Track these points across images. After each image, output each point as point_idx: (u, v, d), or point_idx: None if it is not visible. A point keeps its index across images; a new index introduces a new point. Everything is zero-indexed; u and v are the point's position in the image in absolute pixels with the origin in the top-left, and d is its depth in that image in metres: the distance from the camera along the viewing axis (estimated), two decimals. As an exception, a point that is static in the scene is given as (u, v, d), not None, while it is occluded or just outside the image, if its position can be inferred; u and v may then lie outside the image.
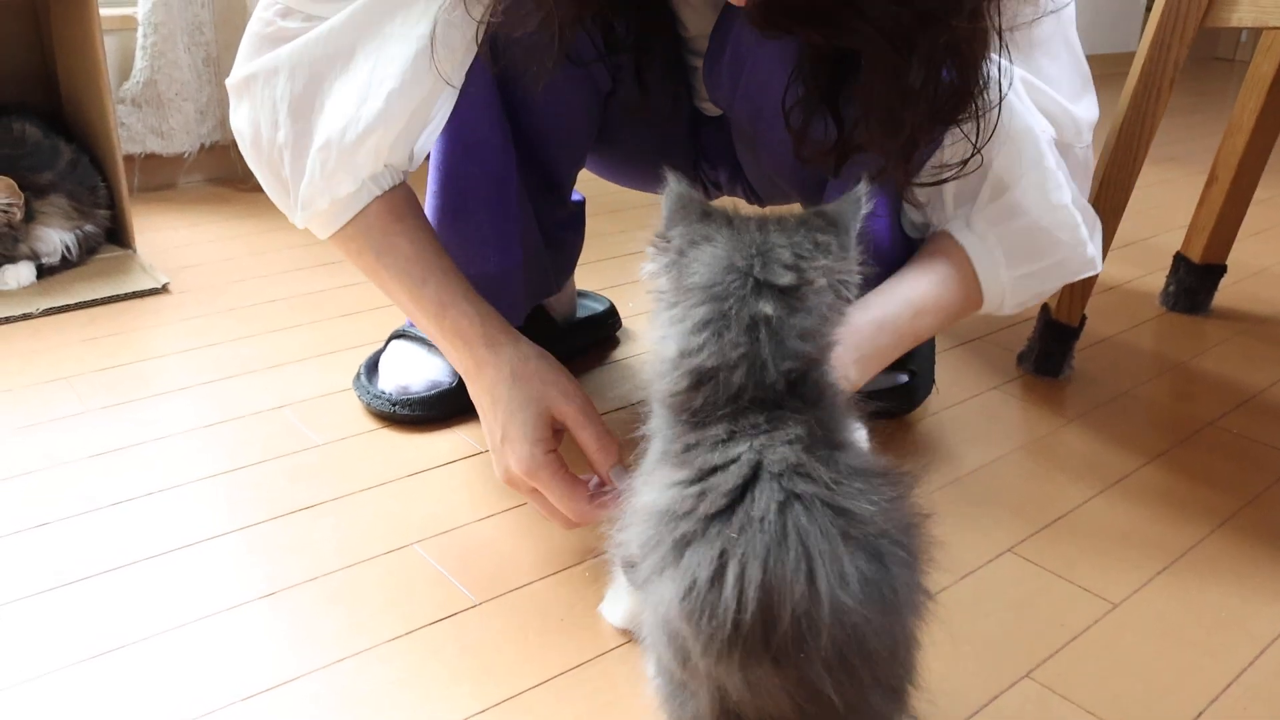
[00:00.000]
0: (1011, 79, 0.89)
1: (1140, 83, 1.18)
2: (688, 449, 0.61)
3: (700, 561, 0.56)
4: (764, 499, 0.56)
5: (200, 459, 1.10)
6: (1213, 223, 1.54)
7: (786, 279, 0.61)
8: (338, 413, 1.20)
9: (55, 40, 1.79)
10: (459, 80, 0.96)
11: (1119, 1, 4.05)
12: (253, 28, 0.95)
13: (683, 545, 0.57)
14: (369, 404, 1.19)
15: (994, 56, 0.81)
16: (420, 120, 0.95)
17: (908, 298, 1.00)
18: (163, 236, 1.80)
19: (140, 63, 1.93)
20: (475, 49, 0.93)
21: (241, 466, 1.09)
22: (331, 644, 0.84)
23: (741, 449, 0.59)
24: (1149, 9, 4.29)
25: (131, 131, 1.97)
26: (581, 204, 1.28)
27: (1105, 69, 3.95)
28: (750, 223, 0.64)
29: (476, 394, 0.96)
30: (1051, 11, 0.94)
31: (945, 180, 0.92)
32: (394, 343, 1.24)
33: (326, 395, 1.24)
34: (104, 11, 1.92)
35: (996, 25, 0.77)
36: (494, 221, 1.10)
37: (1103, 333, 1.50)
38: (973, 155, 0.86)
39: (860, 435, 0.68)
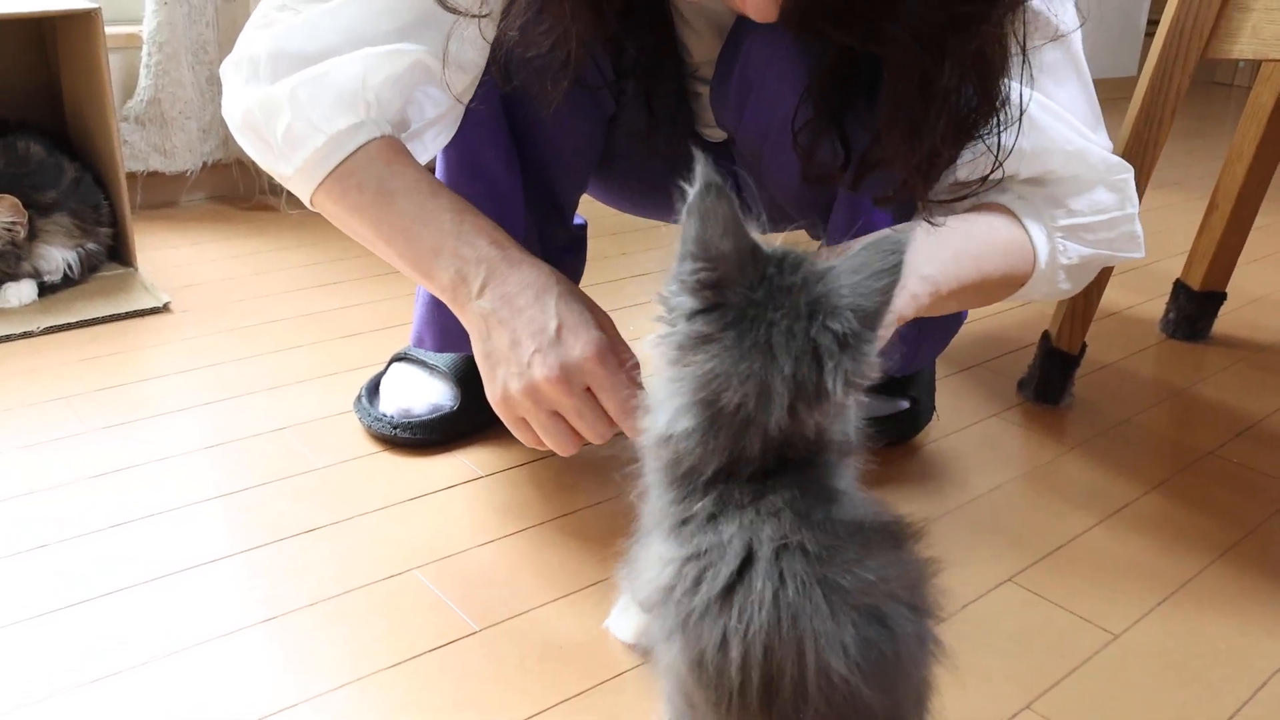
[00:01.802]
0: (1031, 95, 0.89)
1: (1142, 112, 1.19)
2: (681, 524, 0.61)
3: (706, 638, 0.57)
4: (759, 584, 0.56)
5: (200, 481, 1.10)
6: (1213, 250, 1.54)
7: (777, 426, 0.58)
8: (339, 435, 1.20)
9: (61, 58, 1.80)
10: (469, 97, 0.97)
11: (1119, 27, 4.06)
12: (251, 21, 0.97)
13: (687, 620, 0.58)
14: (370, 426, 1.19)
15: (1013, 76, 0.81)
16: (411, 76, 0.95)
17: (965, 230, 0.95)
18: (164, 255, 1.80)
19: (144, 81, 1.94)
20: (483, 68, 0.95)
21: (242, 489, 1.08)
22: (330, 671, 0.83)
23: (731, 529, 0.58)
24: (1149, 35, 4.28)
25: (134, 149, 1.97)
26: (583, 228, 1.28)
27: (1105, 94, 3.97)
28: (759, 327, 0.58)
29: (511, 292, 0.88)
30: (1060, 36, 0.93)
31: (965, 197, 0.91)
32: (395, 365, 1.24)
33: (328, 417, 1.24)
34: (109, 30, 1.93)
35: (1020, 38, 0.77)
36: None
37: (1103, 359, 1.51)
38: (994, 169, 0.85)
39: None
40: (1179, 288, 1.60)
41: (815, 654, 0.55)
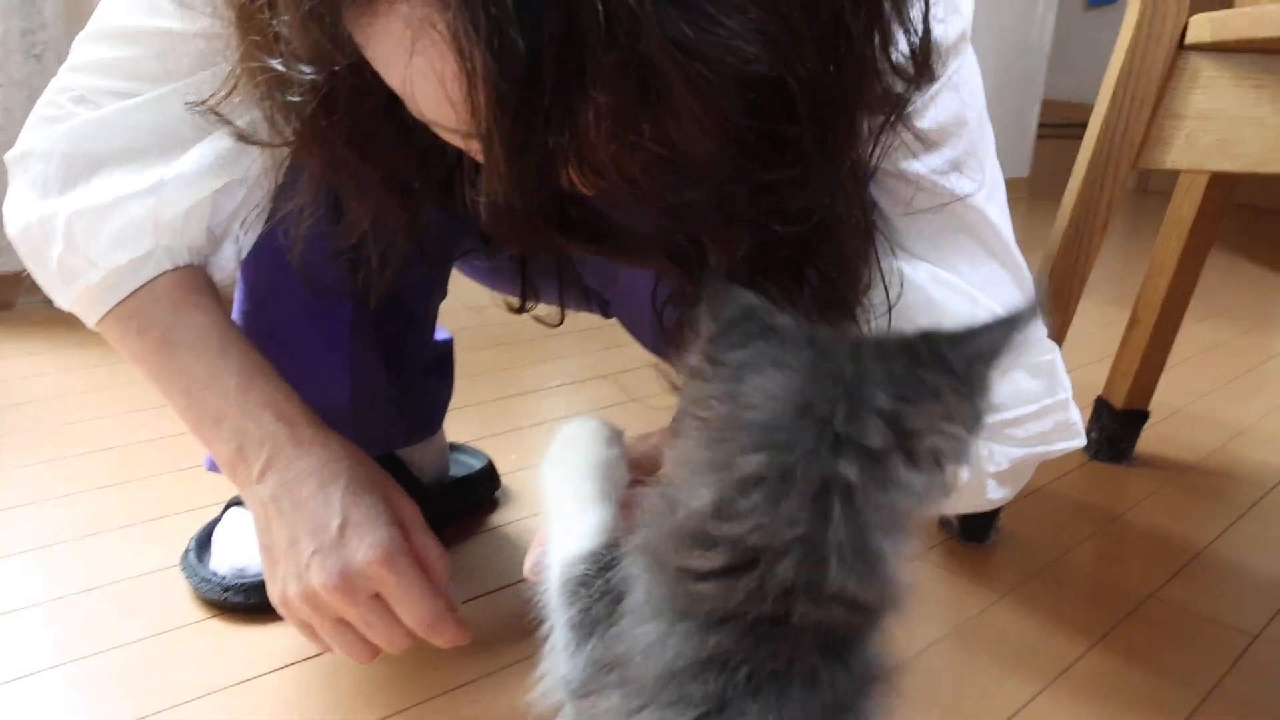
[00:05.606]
0: (922, 269, 0.79)
1: (1071, 225, 1.09)
2: None
3: None
4: None
5: (-21, 663, 0.90)
6: (1135, 366, 1.46)
7: (878, 440, 0.44)
8: (160, 597, 1.01)
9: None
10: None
11: (1011, 127, 4.10)
12: (39, 110, 0.80)
13: None
14: (197, 588, 1.00)
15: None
16: (215, 199, 0.81)
17: None
18: (-10, 368, 1.60)
19: (-25, 175, 1.75)
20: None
21: (25, 674, 0.89)
22: None
23: None
24: (1040, 137, 4.29)
25: (-37, 249, 1.77)
26: (448, 343, 1.13)
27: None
28: (841, 347, 0.47)
29: (293, 480, 0.77)
30: (938, 206, 0.77)
31: None
32: (231, 511, 1.07)
33: (150, 573, 1.05)
34: (-63, 118, 1.75)
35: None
36: (314, 350, 0.94)
37: (1028, 484, 1.39)
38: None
39: None
40: (1101, 406, 1.51)
41: None
